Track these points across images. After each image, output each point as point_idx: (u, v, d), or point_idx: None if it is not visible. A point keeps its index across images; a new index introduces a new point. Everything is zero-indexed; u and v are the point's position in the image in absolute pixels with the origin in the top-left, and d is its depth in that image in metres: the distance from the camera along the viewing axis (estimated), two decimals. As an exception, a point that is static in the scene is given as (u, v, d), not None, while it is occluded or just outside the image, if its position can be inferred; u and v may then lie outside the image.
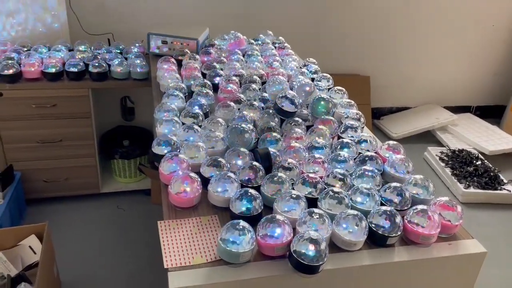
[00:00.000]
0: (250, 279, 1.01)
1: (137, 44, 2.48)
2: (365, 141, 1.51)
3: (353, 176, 1.31)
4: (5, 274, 1.66)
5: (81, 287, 1.93)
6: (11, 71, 2.03)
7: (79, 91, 2.14)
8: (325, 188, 1.23)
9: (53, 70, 2.10)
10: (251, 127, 1.47)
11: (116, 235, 2.26)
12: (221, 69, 2.01)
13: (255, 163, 1.31)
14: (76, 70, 2.13)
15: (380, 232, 1.11)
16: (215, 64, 2.04)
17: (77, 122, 2.22)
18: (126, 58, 2.32)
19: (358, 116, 1.65)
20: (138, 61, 2.24)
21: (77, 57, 2.22)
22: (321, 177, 1.28)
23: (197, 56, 2.12)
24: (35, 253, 1.74)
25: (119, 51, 2.43)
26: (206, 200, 1.25)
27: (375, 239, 1.12)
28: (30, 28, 2.42)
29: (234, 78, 1.89)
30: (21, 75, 2.08)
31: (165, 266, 1.03)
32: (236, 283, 1.00)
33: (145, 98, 2.62)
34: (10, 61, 2.06)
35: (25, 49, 2.31)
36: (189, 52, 2.19)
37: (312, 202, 1.19)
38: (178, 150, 1.39)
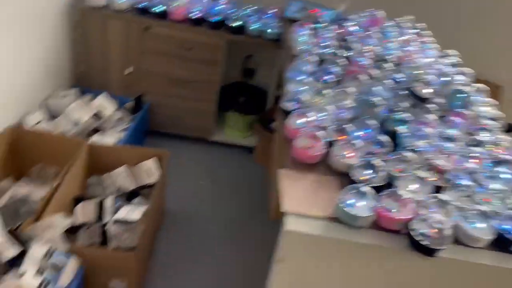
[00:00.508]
0: (365, 244, 1.02)
1: (272, 8, 2.53)
2: (501, 143, 1.41)
3: (484, 176, 1.24)
4: (123, 187, 1.86)
5: (182, 218, 2.09)
6: (161, 9, 2.21)
7: (215, 39, 2.26)
8: (450, 180, 1.18)
9: (197, 16, 2.23)
10: (382, 102, 1.45)
11: (218, 181, 2.40)
12: (355, 43, 1.99)
13: (381, 136, 1.30)
14: (217, 20, 2.24)
15: (508, 237, 1.05)
16: (349, 37, 2.02)
17: (207, 68, 2.35)
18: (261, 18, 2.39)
19: (496, 117, 1.55)
20: (273, 23, 2.30)
21: (217, 7, 2.33)
22: (448, 169, 1.23)
23: (333, 27, 2.11)
24: (152, 175, 1.91)
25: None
26: (326, 162, 1.27)
27: (500, 242, 1.06)
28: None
29: (367, 53, 1.86)
30: (168, 15, 2.25)
31: (282, 210, 1.08)
32: (350, 244, 1.02)
33: (267, 61, 2.69)
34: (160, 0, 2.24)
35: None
36: (325, 20, 2.19)
37: (435, 190, 1.16)
38: (305, 109, 1.42)
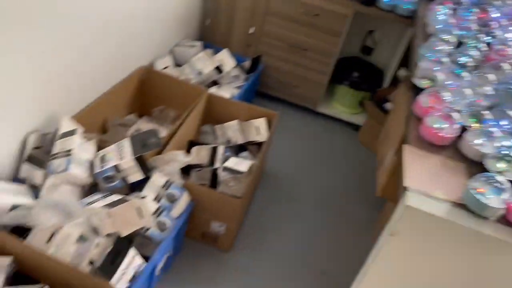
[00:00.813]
0: (489, 236, 0.96)
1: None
2: None
3: None
4: (233, 139, 1.93)
5: (279, 179, 2.14)
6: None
7: (344, 9, 2.21)
8: None
9: (329, -18, 2.19)
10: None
11: (319, 152, 2.40)
12: (497, 30, 1.82)
13: (524, 131, 1.18)
14: (348, -12, 2.19)
15: None
16: (492, 23, 1.85)
17: (328, 38, 2.32)
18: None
19: None
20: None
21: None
22: None
23: (475, 10, 1.94)
24: (260, 133, 1.96)
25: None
26: (456, 146, 1.20)
27: None
28: None
29: (510, 42, 1.70)
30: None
31: (404, 185, 1.05)
32: (472, 233, 0.97)
33: (389, 39, 2.58)
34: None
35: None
36: (467, 1, 2.02)
37: None
38: (439, 89, 1.34)
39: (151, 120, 2.06)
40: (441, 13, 1.85)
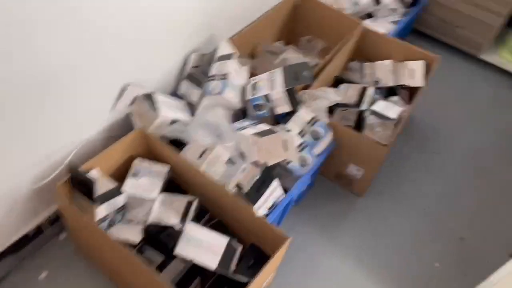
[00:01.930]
0: None
1: None
2: None
3: None
4: (382, 81, 1.80)
5: (425, 127, 1.97)
6: None
7: None
8: None
9: None
10: None
11: (474, 105, 2.14)
12: None
13: None
14: None
15: None
16: None
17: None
18: None
19: None
20: None
21: None
22: None
23: None
24: (414, 77, 1.78)
25: None
26: None
27: None
28: None
29: None
30: None
31: None
32: None
33: None
34: None
35: None
36: None
37: None
38: None
39: (297, 49, 2.01)
40: None
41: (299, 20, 1.98)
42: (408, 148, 1.88)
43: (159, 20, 1.28)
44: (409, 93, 1.80)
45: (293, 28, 2.01)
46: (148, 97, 1.33)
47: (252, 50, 1.83)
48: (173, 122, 1.35)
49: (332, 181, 1.69)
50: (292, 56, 1.88)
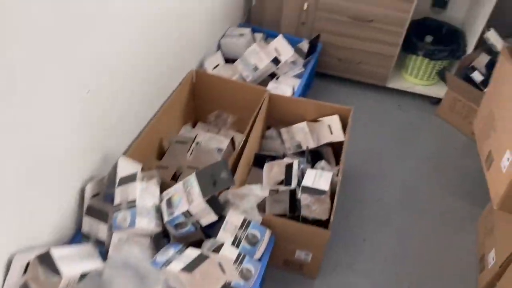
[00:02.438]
0: None
1: None
2: None
3: None
4: (303, 144, 1.70)
5: (356, 173, 1.90)
6: None
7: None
8: None
9: None
10: None
11: (396, 135, 2.12)
12: None
13: None
14: None
15: None
16: None
17: (397, 4, 1.97)
18: None
19: None
20: None
21: None
22: None
23: None
24: (334, 133, 1.72)
25: None
26: None
27: None
28: None
29: None
30: None
31: None
32: None
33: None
34: None
35: None
36: None
37: None
38: None
39: (207, 126, 1.87)
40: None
41: (202, 98, 1.84)
42: (348, 204, 1.79)
43: (40, 164, 1.06)
44: (333, 147, 1.73)
45: (198, 106, 1.87)
46: (43, 258, 1.08)
47: (159, 146, 1.65)
48: (83, 276, 1.11)
49: (282, 268, 1.54)
50: (204, 138, 1.74)
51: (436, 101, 2.27)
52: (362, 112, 2.19)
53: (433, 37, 2.27)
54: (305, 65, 2.07)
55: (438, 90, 2.24)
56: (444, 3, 2.30)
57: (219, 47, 2.03)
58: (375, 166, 1.96)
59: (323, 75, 2.35)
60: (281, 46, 1.94)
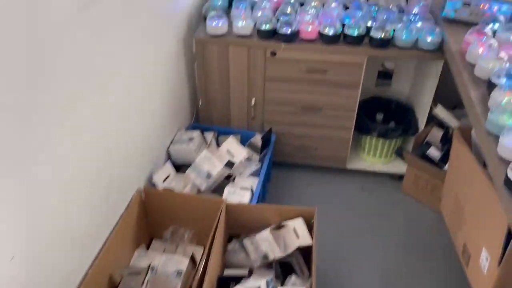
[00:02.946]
0: None
1: (422, 3, 2.04)
2: None
3: None
4: (269, 254, 1.57)
5: (329, 271, 1.77)
6: (289, 31, 1.84)
7: (355, 58, 1.86)
8: None
9: (331, 31, 1.84)
10: None
11: (360, 216, 2.03)
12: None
13: None
14: (355, 33, 1.83)
15: None
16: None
17: (343, 91, 1.97)
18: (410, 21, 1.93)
19: None
20: (428, 27, 1.82)
21: (354, 19, 1.91)
22: None
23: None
24: (299, 237, 1.60)
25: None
26: None
27: None
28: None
29: None
30: (298, 35, 1.88)
31: None
32: None
33: (408, 69, 2.23)
34: (288, 18, 1.88)
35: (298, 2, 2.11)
36: (500, 17, 1.67)
37: None
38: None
39: (163, 245, 1.71)
40: (480, 43, 1.49)
41: (155, 215, 1.70)
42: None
43: None
44: (301, 250, 1.60)
45: (151, 224, 1.72)
46: None
47: (110, 282, 1.46)
48: None
49: None
50: (160, 261, 1.58)
51: (399, 177, 2.23)
52: (326, 201, 2.10)
53: (384, 114, 2.27)
54: (261, 159, 1.99)
55: (399, 166, 2.21)
56: (386, 81, 2.33)
57: (168, 156, 1.92)
58: (349, 265, 1.83)
59: (281, 164, 2.28)
60: (233, 148, 1.86)
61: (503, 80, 1.27)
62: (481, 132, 1.23)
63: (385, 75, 2.33)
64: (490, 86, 1.33)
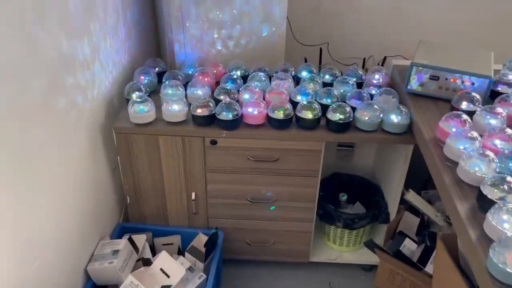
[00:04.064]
0: None
1: (382, 72, 1.79)
2: None
3: None
4: None
5: None
6: (230, 116, 1.52)
7: (310, 144, 1.56)
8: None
9: (281, 115, 1.53)
10: None
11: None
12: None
13: None
14: (310, 116, 1.53)
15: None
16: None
17: (299, 180, 1.65)
18: (371, 96, 1.66)
19: None
20: (393, 105, 1.55)
21: (307, 90, 1.63)
22: None
23: (495, 107, 1.34)
24: None
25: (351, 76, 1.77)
26: None
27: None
28: (246, 41, 1.91)
29: None
30: (241, 119, 1.56)
31: None
32: None
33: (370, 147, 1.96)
34: (230, 101, 1.56)
35: (240, 74, 1.81)
36: (476, 96, 1.43)
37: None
38: None
39: None
40: (461, 137, 1.22)
41: None
42: None
43: None
44: None
45: None
46: None
47: None
48: None
49: None
50: None
51: (370, 267, 1.91)
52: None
53: (348, 193, 1.97)
54: (206, 267, 1.62)
55: (370, 255, 1.89)
56: (346, 157, 2.06)
57: (87, 277, 1.51)
58: None
59: (233, 261, 1.92)
60: (168, 265, 1.48)
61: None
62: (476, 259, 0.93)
63: (346, 143, 2.05)
64: (482, 198, 1.04)
